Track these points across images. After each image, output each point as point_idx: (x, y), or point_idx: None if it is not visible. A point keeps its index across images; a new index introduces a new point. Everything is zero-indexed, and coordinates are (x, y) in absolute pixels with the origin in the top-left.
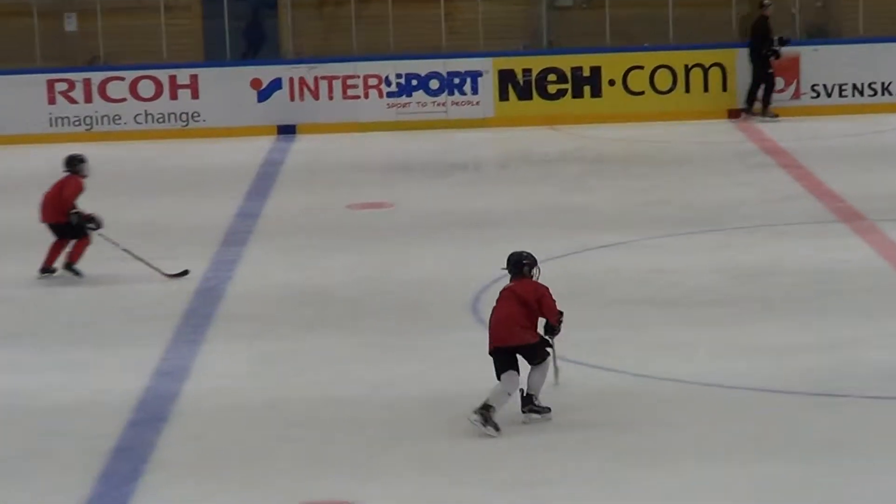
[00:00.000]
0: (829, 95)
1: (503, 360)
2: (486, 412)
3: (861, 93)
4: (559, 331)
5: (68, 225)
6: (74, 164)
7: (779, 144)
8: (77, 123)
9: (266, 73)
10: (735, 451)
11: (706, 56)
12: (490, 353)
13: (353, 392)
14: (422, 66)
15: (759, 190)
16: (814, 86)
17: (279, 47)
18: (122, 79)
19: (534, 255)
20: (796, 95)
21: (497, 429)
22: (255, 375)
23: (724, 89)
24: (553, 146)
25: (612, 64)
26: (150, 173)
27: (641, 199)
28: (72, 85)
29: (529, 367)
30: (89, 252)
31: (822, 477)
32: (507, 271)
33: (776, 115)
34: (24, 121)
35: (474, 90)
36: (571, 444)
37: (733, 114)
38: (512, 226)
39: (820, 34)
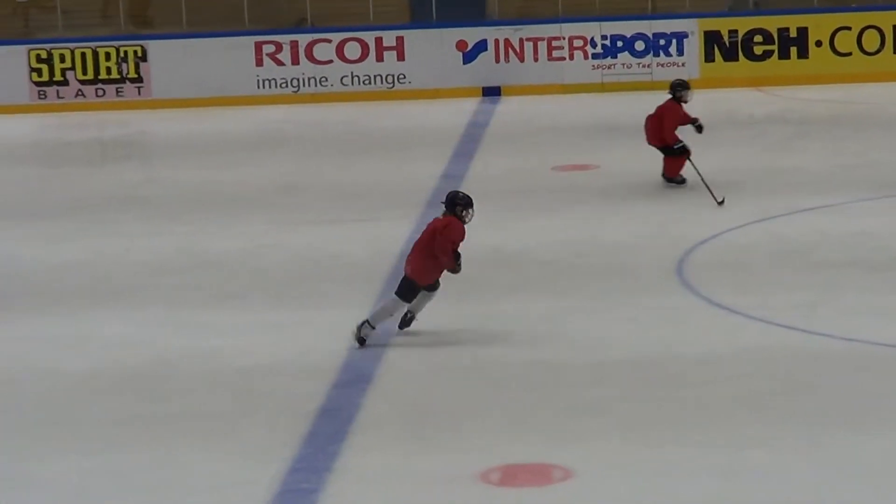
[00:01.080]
0: None
1: (401, 283)
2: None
3: None
4: (454, 269)
5: (669, 148)
6: (677, 90)
7: None
8: (284, 86)
9: (471, 34)
10: None
11: None
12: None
13: (556, 355)
14: (627, 28)
15: None
16: None
17: (485, 9)
18: (329, 41)
19: (470, 196)
20: None
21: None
22: (459, 336)
23: None
24: (759, 108)
25: (819, 25)
26: (356, 135)
27: (849, 161)
28: (279, 47)
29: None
30: (295, 216)
31: None
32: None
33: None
34: (233, 83)
35: (679, 51)
36: (773, 409)
37: None
38: (717, 188)
39: None
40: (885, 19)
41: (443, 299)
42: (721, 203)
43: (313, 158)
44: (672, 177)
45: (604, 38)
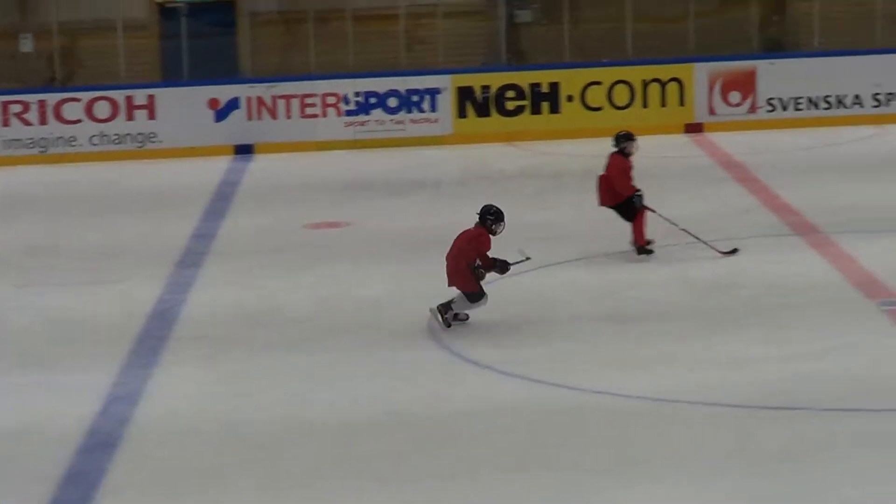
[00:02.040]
0: (784, 109)
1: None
2: (443, 309)
3: (816, 106)
4: (480, 275)
5: (628, 202)
6: (621, 142)
7: (735, 158)
8: (31, 146)
9: (224, 92)
10: (698, 467)
11: (663, 71)
12: None
13: (310, 413)
14: (380, 84)
15: (716, 204)
16: (770, 99)
17: (237, 66)
18: (78, 100)
19: (503, 212)
20: (752, 109)
21: (448, 325)
22: (209, 397)
23: (682, 104)
24: (512, 163)
25: (570, 80)
26: (106, 195)
27: (601, 215)
28: (26, 107)
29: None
30: (43, 278)
31: (784, 488)
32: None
33: None
34: None
35: (433, 107)
36: (535, 461)
37: (690, 128)
38: None
39: (776, 48)
40: (634, 74)
41: (194, 358)
42: (727, 253)
43: (62, 219)
44: (642, 245)
45: (357, 94)
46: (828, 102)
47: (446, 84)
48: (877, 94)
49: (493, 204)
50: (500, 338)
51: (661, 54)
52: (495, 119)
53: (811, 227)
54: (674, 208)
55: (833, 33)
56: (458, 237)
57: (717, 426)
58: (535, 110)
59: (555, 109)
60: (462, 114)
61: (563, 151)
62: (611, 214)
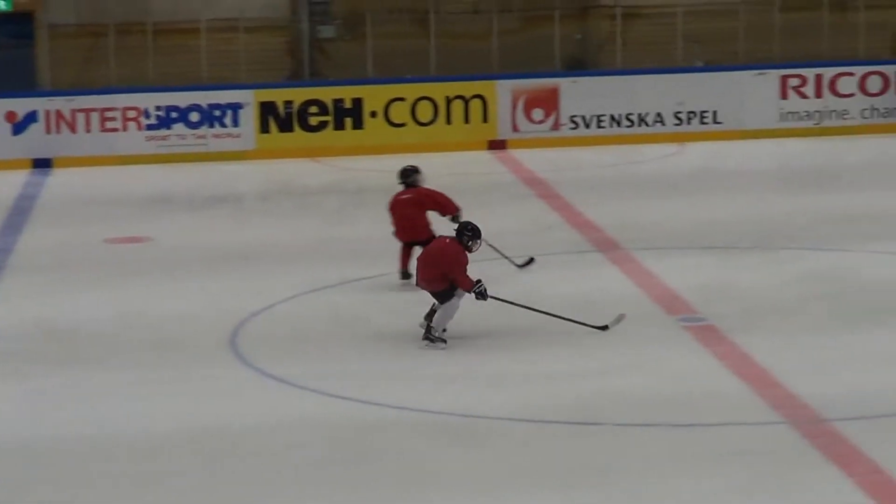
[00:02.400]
0: (587, 126)
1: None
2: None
3: (618, 124)
4: (479, 295)
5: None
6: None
7: (537, 175)
8: None
9: (21, 105)
10: (493, 482)
11: (467, 88)
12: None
13: (107, 430)
14: (182, 99)
15: (518, 220)
16: (572, 117)
17: (35, 79)
18: None
19: (480, 229)
20: (555, 126)
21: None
22: (4, 414)
23: (485, 121)
24: (315, 178)
25: (373, 96)
26: None
27: None
28: None
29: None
30: None
31: None
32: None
33: None
34: None
35: (235, 122)
36: (330, 477)
37: (494, 144)
38: (273, 259)
39: (579, 66)
40: (437, 91)
41: None
42: (523, 265)
43: None
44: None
45: (158, 108)
46: (630, 120)
47: (249, 99)
48: (678, 112)
49: (470, 221)
50: (302, 353)
51: (464, 71)
52: (298, 134)
53: (613, 244)
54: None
55: (635, 52)
56: (433, 245)
57: (515, 442)
58: (339, 126)
59: (358, 125)
60: (265, 129)
61: (366, 167)
62: None
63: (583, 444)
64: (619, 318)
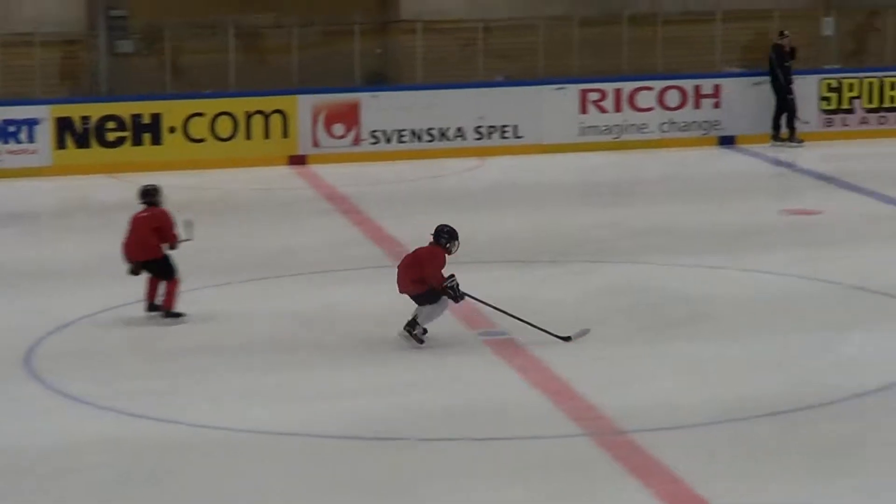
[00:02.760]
0: (388, 141)
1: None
2: (410, 328)
3: (420, 138)
4: (454, 295)
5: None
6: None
7: (339, 190)
8: None
9: None
10: (298, 499)
11: (267, 103)
12: None
13: None
14: None
15: (319, 236)
16: (373, 132)
17: None
18: None
19: (457, 231)
20: (356, 141)
21: (421, 341)
22: None
23: (286, 136)
24: (113, 194)
25: (172, 111)
26: None
27: (202, 246)
28: None
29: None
30: None
31: None
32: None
33: (802, 141)
34: None
35: (31, 138)
36: (123, 498)
37: (294, 160)
38: (69, 276)
39: (379, 81)
40: (237, 106)
41: None
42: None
43: None
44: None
45: None
46: (431, 135)
47: (45, 115)
48: (479, 126)
49: (446, 224)
50: (99, 372)
51: (264, 86)
52: (96, 150)
53: None
54: (279, 241)
55: (436, 67)
56: (409, 255)
57: (317, 458)
58: (137, 141)
59: (157, 141)
60: (61, 145)
61: (165, 183)
62: (213, 245)
63: (386, 459)
64: (583, 332)
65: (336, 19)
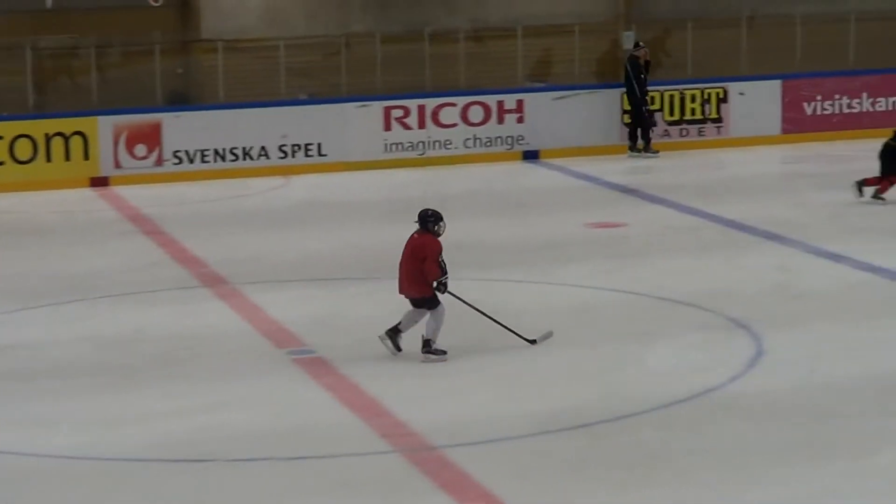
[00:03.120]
0: (191, 161)
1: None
2: (393, 333)
3: (223, 158)
4: (442, 289)
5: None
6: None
7: (142, 212)
8: None
9: None
10: None
11: (66, 125)
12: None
13: None
14: None
15: (123, 258)
16: (176, 152)
17: None
18: None
19: (439, 212)
20: (158, 162)
21: (398, 350)
22: None
23: (87, 158)
24: None
25: None
26: None
27: (2, 272)
28: None
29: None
30: None
31: None
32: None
33: (657, 152)
34: None
35: None
36: None
37: (96, 182)
38: None
39: (181, 100)
40: (36, 128)
41: None
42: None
43: None
44: None
45: None
46: (234, 154)
47: None
48: (283, 145)
49: (428, 207)
50: None
51: (64, 108)
52: None
53: (219, 279)
54: (81, 264)
55: (238, 86)
56: (405, 249)
57: (123, 481)
58: None
59: None
60: None
61: None
62: (11, 271)
63: (194, 481)
64: (547, 335)
65: (136, 40)
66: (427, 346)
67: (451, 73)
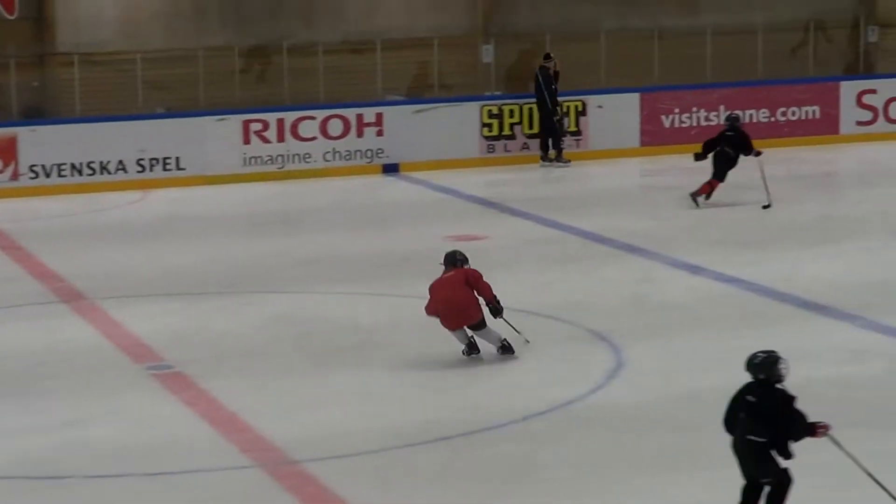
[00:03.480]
0: (48, 175)
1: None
2: (470, 349)
3: (80, 172)
4: (500, 307)
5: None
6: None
7: None
8: None
9: None
10: None
11: None
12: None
13: None
14: None
15: None
16: (32, 166)
17: None
18: None
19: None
20: (14, 177)
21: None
22: None
23: None
24: None
25: None
26: None
27: None
28: None
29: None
30: None
31: None
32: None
33: (569, 161)
34: None
35: None
36: None
37: None
38: None
39: (37, 114)
40: None
41: None
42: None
43: None
44: None
45: None
46: (91, 168)
47: None
48: (140, 159)
49: (449, 250)
50: None
51: None
52: None
53: (77, 294)
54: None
55: (95, 99)
56: (442, 284)
57: None
58: None
59: None
60: None
61: None
62: None
63: (50, 500)
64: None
65: None
66: (505, 348)
67: (310, 87)
